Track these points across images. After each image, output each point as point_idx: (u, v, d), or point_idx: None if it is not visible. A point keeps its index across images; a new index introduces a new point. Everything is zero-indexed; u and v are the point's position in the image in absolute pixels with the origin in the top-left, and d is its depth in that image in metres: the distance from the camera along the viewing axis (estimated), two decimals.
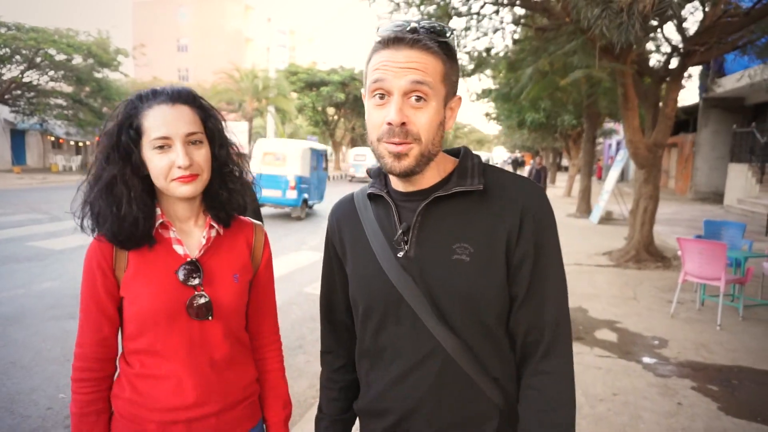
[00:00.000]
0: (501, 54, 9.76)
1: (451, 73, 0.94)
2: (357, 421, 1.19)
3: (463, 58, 10.09)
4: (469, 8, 8.56)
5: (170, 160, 1.07)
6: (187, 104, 1.12)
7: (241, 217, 1.29)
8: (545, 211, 0.97)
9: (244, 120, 22.53)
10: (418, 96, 0.89)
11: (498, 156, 47.98)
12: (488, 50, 9.78)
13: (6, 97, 21.80)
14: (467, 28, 9.16)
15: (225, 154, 1.20)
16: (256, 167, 12.11)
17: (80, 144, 31.42)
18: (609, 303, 5.58)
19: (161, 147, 1.07)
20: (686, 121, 21.02)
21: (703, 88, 17.19)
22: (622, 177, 31.41)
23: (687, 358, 4.07)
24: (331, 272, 1.15)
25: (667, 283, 6.37)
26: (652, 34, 7.64)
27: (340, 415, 1.17)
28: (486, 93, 11.91)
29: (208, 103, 1.20)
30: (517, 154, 45.60)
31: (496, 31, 9.15)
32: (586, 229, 11.37)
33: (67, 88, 24.00)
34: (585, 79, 8.25)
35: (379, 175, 1.06)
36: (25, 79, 21.76)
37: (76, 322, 1.17)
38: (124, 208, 1.08)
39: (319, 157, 13.57)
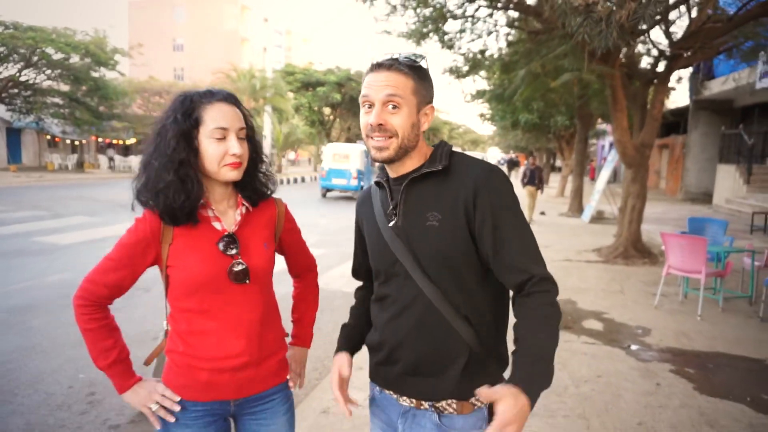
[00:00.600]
0: (495, 56, 10.01)
1: (422, 88, 1.24)
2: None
3: (458, 60, 10.37)
4: (464, 11, 8.79)
5: (225, 148, 1.28)
6: (236, 105, 1.35)
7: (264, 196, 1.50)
8: (497, 183, 1.21)
9: None
10: (393, 105, 1.20)
11: (492, 156, 48.24)
12: (482, 52, 10.04)
13: (2, 95, 21.85)
14: (462, 31, 9.41)
15: (258, 149, 1.44)
16: (327, 163, 17.08)
17: (76, 143, 31.42)
18: (597, 296, 5.83)
19: (219, 138, 1.28)
20: (677, 122, 21.39)
21: (693, 90, 17.55)
22: (615, 178, 31.81)
23: (668, 345, 4.32)
24: (357, 245, 1.49)
25: (653, 277, 6.63)
26: (641, 38, 7.91)
27: (355, 327, 1.49)
28: (480, 94, 12.17)
29: (244, 107, 1.42)
30: (512, 155, 45.95)
31: (490, 33, 9.41)
32: (578, 228, 11.64)
33: (64, 87, 24.07)
34: (576, 81, 8.51)
35: (383, 168, 1.35)
36: (22, 78, 21.80)
37: None
38: (195, 188, 1.28)
39: (368, 156, 17.94)
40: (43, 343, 3.91)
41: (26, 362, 3.57)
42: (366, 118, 1.23)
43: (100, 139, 32.30)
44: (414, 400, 1.29)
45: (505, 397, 1.02)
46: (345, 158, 16.75)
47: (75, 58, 21.41)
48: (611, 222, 12.30)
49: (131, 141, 33.77)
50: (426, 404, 1.27)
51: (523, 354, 1.13)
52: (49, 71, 22.15)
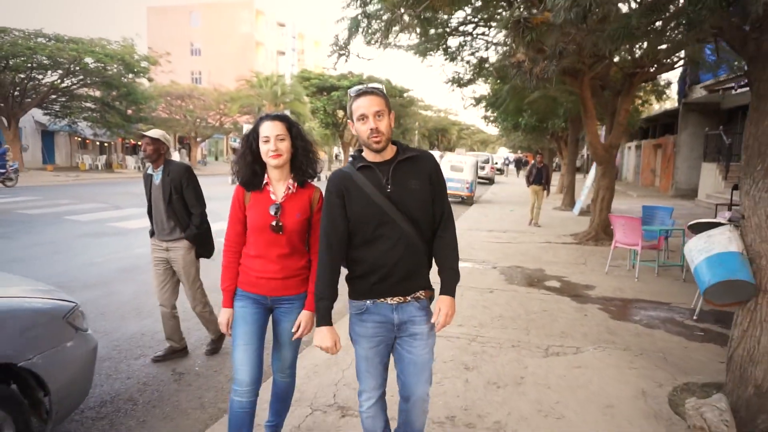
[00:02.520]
0: (493, 64, 11.43)
1: (388, 103, 1.97)
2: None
3: (459, 71, 11.87)
4: (463, 30, 10.29)
5: (268, 147, 2.13)
6: (280, 121, 2.18)
7: (311, 182, 2.31)
8: (439, 166, 2.07)
9: None
10: (379, 114, 1.92)
11: (500, 156, 49.35)
12: (481, 62, 11.51)
13: (43, 101, 23.75)
14: (462, 45, 10.91)
15: (302, 146, 2.23)
16: (445, 173, 18.41)
17: (105, 144, 33.35)
18: (563, 267, 7.33)
19: (265, 141, 2.14)
20: (672, 123, 22.63)
21: (681, 94, 18.87)
22: (617, 176, 32.97)
23: (604, 295, 5.82)
24: (337, 215, 2.01)
25: (614, 254, 8.10)
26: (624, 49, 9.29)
27: (334, 296, 2.05)
28: (478, 100, 13.64)
29: (292, 119, 2.27)
30: (520, 155, 47.31)
31: (487, 48, 10.90)
32: (567, 220, 13.07)
33: (96, 93, 25.94)
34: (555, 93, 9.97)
35: (358, 158, 2.03)
36: (62, 86, 23.62)
37: None
38: (258, 171, 2.22)
39: (478, 163, 21.27)
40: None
41: (149, 296, 5.18)
42: (365, 127, 1.91)
43: (125, 141, 34.27)
44: (402, 297, 2.03)
45: (444, 303, 1.98)
46: (459, 169, 18.51)
47: (110, 66, 23.18)
48: None
49: None
50: (409, 297, 2.04)
51: (448, 273, 2.04)
52: (85, 78, 23.96)
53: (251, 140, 2.20)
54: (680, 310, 5.28)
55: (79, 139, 31.38)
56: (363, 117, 1.92)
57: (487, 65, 11.46)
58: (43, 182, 19.72)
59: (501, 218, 13.01)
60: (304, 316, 2.26)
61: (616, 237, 6.81)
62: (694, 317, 4.98)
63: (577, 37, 2.84)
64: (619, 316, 5.07)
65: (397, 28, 4.02)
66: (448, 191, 13.68)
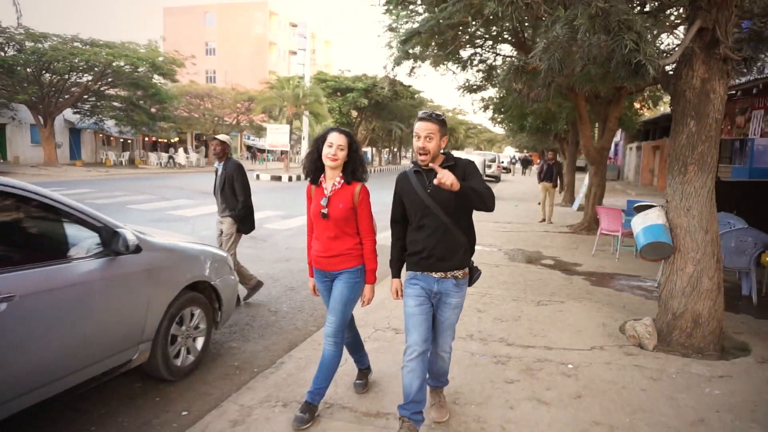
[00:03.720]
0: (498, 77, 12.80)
1: (442, 128, 2.54)
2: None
3: (470, 78, 13.25)
4: (474, 44, 11.66)
5: (330, 151, 2.70)
6: (344, 134, 2.76)
7: (357, 180, 2.82)
8: (473, 166, 2.62)
9: (285, 123, 25.99)
10: (429, 137, 2.52)
11: (506, 155, 50.72)
12: (491, 69, 12.87)
13: (77, 102, 25.31)
14: (473, 55, 12.28)
15: (355, 156, 2.81)
16: None
17: (128, 141, 34.97)
18: (558, 250, 8.71)
19: (329, 146, 2.70)
20: (670, 126, 23.84)
21: None
22: (619, 176, 34.19)
23: (588, 270, 7.20)
24: (397, 202, 2.75)
25: (602, 241, 9.46)
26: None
27: (399, 257, 2.83)
28: (486, 105, 14.99)
29: (351, 134, 2.85)
30: (526, 154, 48.63)
31: (495, 60, 12.26)
32: (566, 214, 14.42)
33: (122, 92, 27.50)
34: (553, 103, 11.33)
35: (416, 164, 2.66)
36: (94, 87, 25.16)
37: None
38: (318, 170, 2.84)
39: (486, 162, 23.84)
40: None
41: None
42: (417, 143, 2.51)
43: (145, 138, 35.90)
44: (442, 273, 2.61)
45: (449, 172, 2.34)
46: None
47: (140, 69, 24.70)
48: None
49: (175, 139, 37.34)
50: (448, 274, 2.62)
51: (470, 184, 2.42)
52: (115, 80, 25.49)
53: (319, 143, 2.80)
54: (648, 280, 6.66)
55: (103, 136, 32.97)
56: (417, 136, 2.54)
57: (495, 72, 12.85)
58: (78, 177, 21.24)
59: (506, 212, 14.38)
60: (367, 288, 2.89)
61: (602, 225, 8.19)
62: (656, 285, 6.36)
63: (558, 79, 4.18)
64: (597, 283, 6.46)
65: (429, 61, 5.36)
66: None
